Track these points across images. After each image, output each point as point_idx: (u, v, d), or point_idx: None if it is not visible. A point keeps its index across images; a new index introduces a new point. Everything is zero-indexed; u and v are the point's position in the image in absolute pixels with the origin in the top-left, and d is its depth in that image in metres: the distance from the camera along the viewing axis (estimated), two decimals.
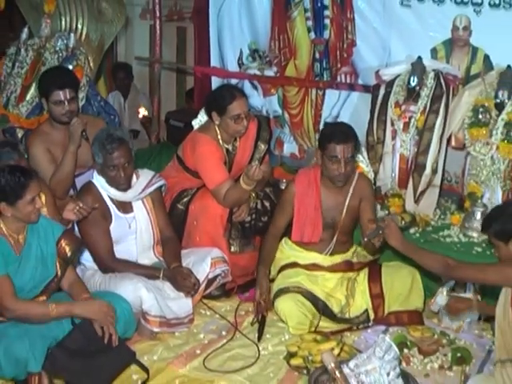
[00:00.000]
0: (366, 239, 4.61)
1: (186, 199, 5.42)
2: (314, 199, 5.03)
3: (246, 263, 5.48)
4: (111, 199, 4.86)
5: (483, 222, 4.27)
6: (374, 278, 5.03)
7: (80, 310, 4.09)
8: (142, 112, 8.70)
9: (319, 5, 6.68)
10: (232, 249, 5.43)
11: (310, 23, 6.80)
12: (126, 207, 4.91)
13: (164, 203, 5.20)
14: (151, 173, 5.07)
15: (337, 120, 6.91)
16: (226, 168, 5.43)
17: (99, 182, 4.82)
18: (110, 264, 4.78)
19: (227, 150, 5.48)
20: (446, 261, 4.19)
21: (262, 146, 5.63)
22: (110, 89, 8.79)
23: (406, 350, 4.58)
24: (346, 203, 5.07)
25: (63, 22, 6.99)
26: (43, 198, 4.38)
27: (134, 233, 4.92)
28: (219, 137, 5.41)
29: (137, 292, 4.58)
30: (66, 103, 5.26)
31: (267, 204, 5.54)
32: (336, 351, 4.34)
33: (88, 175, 5.34)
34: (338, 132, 4.85)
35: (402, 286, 4.96)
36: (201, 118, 5.79)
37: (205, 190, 5.40)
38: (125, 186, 4.81)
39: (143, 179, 4.94)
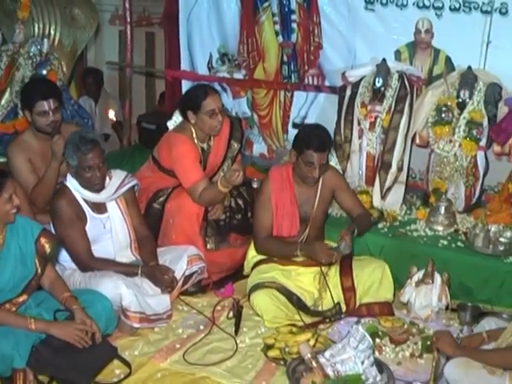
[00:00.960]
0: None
1: (161, 198, 5.47)
2: (288, 194, 5.15)
3: (222, 260, 5.56)
4: (85, 201, 4.85)
5: None
6: (346, 271, 5.10)
7: (56, 331, 4.09)
8: (111, 115, 8.77)
9: (286, 9, 6.78)
10: (208, 246, 5.48)
11: (277, 27, 6.90)
12: (100, 208, 4.92)
13: (137, 202, 5.23)
14: (123, 173, 5.08)
15: (305, 121, 7.05)
16: (201, 167, 5.51)
17: (72, 184, 4.81)
18: (88, 263, 4.80)
19: (202, 149, 5.55)
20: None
21: (235, 145, 5.73)
22: (80, 93, 8.77)
23: (377, 340, 4.65)
24: (317, 196, 5.20)
25: (36, 28, 7.02)
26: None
27: (110, 232, 4.94)
28: (194, 136, 5.47)
29: (117, 289, 4.62)
30: (51, 113, 5.24)
31: (240, 202, 5.63)
32: (312, 342, 4.42)
33: None
34: (317, 140, 4.94)
35: (372, 278, 5.05)
36: (175, 119, 5.81)
37: (180, 189, 5.46)
38: (100, 186, 4.81)
39: (116, 180, 4.97)
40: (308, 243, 5.16)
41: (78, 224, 4.79)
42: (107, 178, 4.92)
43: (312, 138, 4.96)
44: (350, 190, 5.47)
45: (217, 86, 7.22)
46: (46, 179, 5.19)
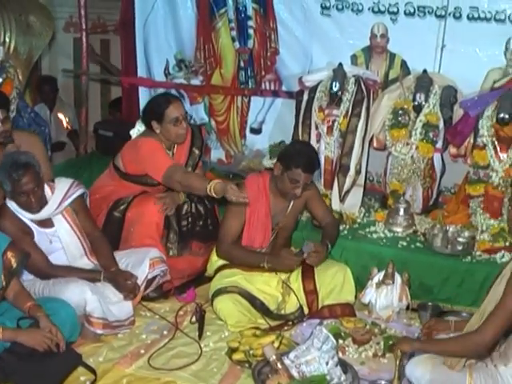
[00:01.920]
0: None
1: (122, 207, 5.44)
2: (264, 205, 5.16)
3: (184, 266, 5.55)
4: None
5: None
6: (308, 275, 5.14)
7: (24, 338, 4.07)
8: (64, 123, 8.71)
9: (243, 15, 6.81)
10: (170, 253, 5.47)
11: (234, 33, 6.92)
12: (46, 223, 4.84)
13: (87, 207, 5.12)
14: (68, 183, 4.96)
15: (262, 126, 7.12)
16: None
17: (12, 205, 4.72)
18: (49, 271, 4.75)
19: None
20: (471, 338, 3.80)
21: (197, 152, 5.70)
22: (34, 101, 8.72)
23: (340, 341, 4.68)
24: (289, 207, 5.24)
25: None
26: None
27: (59, 249, 4.88)
28: (163, 144, 5.42)
29: (82, 294, 4.59)
30: (0, 124, 5.18)
31: (201, 208, 5.62)
32: (276, 344, 4.46)
33: None
34: (307, 161, 4.96)
35: (334, 282, 5.09)
36: (139, 128, 5.79)
37: (141, 197, 5.46)
38: (36, 209, 4.71)
39: (58, 193, 4.88)
40: (275, 252, 5.20)
41: (26, 238, 4.71)
42: (49, 192, 4.83)
43: (302, 158, 4.98)
44: (322, 199, 5.52)
45: (174, 93, 7.20)
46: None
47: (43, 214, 4.79)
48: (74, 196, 4.94)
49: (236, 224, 5.15)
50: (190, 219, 5.57)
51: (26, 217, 4.75)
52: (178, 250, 5.54)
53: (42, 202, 4.75)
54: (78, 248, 4.98)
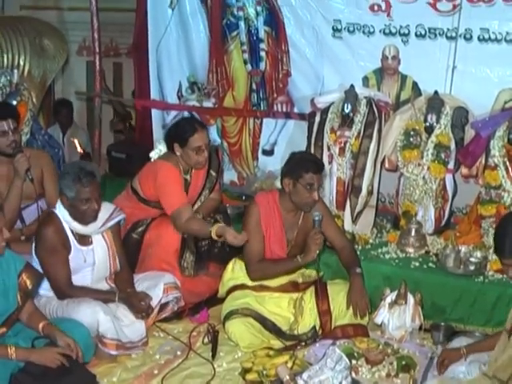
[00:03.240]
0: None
1: (140, 229, 5.49)
2: (277, 220, 5.19)
3: (199, 289, 5.57)
4: (72, 231, 4.83)
5: (500, 245, 4.02)
6: (321, 295, 5.14)
7: (36, 357, 4.08)
8: (78, 147, 8.75)
9: (255, 38, 6.88)
10: (186, 272, 5.49)
11: (246, 56, 6.99)
12: (85, 240, 4.90)
13: (120, 236, 5.21)
14: (112, 206, 5.06)
15: (275, 148, 7.15)
16: None
17: (62, 213, 4.79)
18: (66, 290, 4.77)
19: (185, 179, 5.55)
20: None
21: (213, 175, 5.74)
22: (48, 124, 8.81)
23: (354, 361, 4.68)
24: (299, 223, 5.27)
25: (5, 59, 6.99)
26: None
27: (90, 265, 4.92)
28: (181, 167, 5.48)
29: (95, 315, 4.61)
30: (10, 133, 5.26)
31: None
32: (289, 364, 4.44)
33: (35, 207, 5.42)
34: (313, 163, 5.06)
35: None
36: (159, 150, 5.78)
37: (160, 219, 5.49)
38: (93, 218, 4.81)
39: (104, 213, 4.92)
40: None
41: (61, 252, 4.77)
42: None
43: (308, 162, 5.06)
44: (333, 220, 5.52)
45: (186, 115, 7.31)
46: (11, 198, 5.23)
47: (89, 228, 4.87)
48: (117, 219, 5.05)
49: (257, 242, 5.16)
50: (208, 240, 5.54)
51: (72, 227, 4.82)
52: (194, 271, 5.55)
53: (97, 215, 4.84)
54: (106, 269, 5.03)
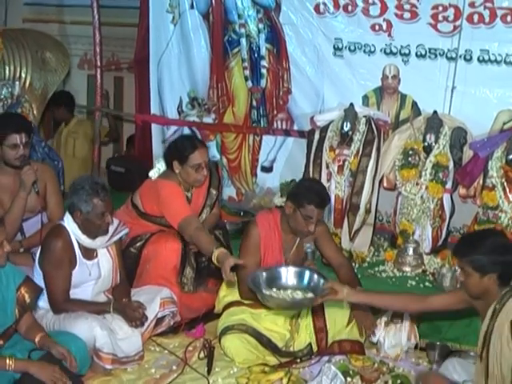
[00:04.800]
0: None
1: (139, 243, 5.49)
2: (277, 242, 5.21)
3: (196, 304, 5.56)
4: (78, 245, 4.86)
5: (459, 247, 4.13)
6: (318, 312, 5.15)
7: (35, 370, 4.08)
8: None
9: (256, 55, 6.90)
10: (186, 288, 5.49)
11: (247, 72, 7.00)
12: (90, 254, 4.93)
13: (121, 250, 5.24)
14: (116, 221, 5.07)
15: (273, 164, 7.17)
16: None
17: (71, 227, 4.82)
18: (61, 305, 4.78)
19: (186, 197, 5.56)
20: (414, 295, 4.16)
21: (214, 192, 5.75)
22: (47, 136, 8.83)
23: (349, 379, 4.68)
24: (296, 244, 5.29)
25: (7, 71, 6.99)
26: None
27: (93, 279, 4.95)
28: (182, 185, 5.50)
29: (91, 330, 4.63)
30: (21, 147, 5.28)
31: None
32: (285, 381, 4.48)
33: (36, 220, 5.44)
34: (319, 196, 5.05)
35: (344, 319, 5.12)
36: (158, 168, 5.73)
37: (158, 235, 5.50)
38: (106, 232, 4.88)
39: (110, 227, 4.97)
40: None
41: (65, 267, 4.80)
42: None
43: (314, 194, 5.06)
44: (331, 238, 5.55)
45: (186, 130, 7.37)
46: (13, 210, 5.23)
47: (97, 242, 4.93)
48: (122, 233, 5.13)
49: (252, 262, 5.13)
50: (207, 257, 5.46)
51: (81, 241, 4.85)
52: (193, 287, 5.56)
53: (108, 229, 4.91)
54: (109, 282, 5.07)
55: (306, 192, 5.06)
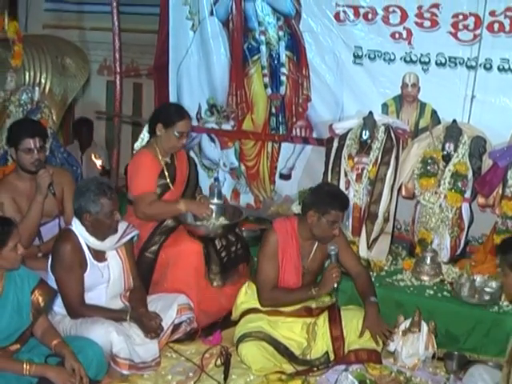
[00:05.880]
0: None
1: (154, 247, 5.49)
2: (295, 248, 5.18)
3: (214, 310, 5.56)
4: (88, 247, 4.87)
5: (499, 247, 4.25)
6: (335, 321, 5.13)
7: (52, 374, 4.11)
8: (98, 163, 8.79)
9: (276, 62, 6.91)
10: (214, 283, 5.51)
11: (266, 80, 7.01)
12: (100, 256, 4.93)
13: (134, 253, 5.24)
14: (125, 223, 5.09)
15: (292, 172, 7.16)
16: (169, 180, 5.63)
17: (79, 230, 4.83)
18: (78, 310, 4.79)
19: (166, 162, 5.64)
20: None
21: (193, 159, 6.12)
22: (67, 142, 8.88)
23: None
24: (313, 250, 5.26)
25: (27, 76, 7.05)
26: None
27: (105, 282, 4.94)
28: (158, 150, 5.58)
29: (108, 336, 4.63)
30: (36, 152, 5.33)
31: (230, 236, 5.70)
32: None
33: (53, 224, 5.50)
34: (341, 200, 5.08)
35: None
36: (141, 137, 5.93)
37: (174, 237, 5.51)
38: (115, 230, 4.90)
39: (119, 230, 4.99)
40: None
41: (77, 271, 4.80)
42: None
43: (336, 199, 5.08)
44: (349, 246, 5.52)
45: (205, 137, 7.43)
46: (30, 215, 5.27)
47: (107, 244, 4.94)
48: (131, 235, 5.11)
49: (272, 268, 5.14)
50: (226, 250, 5.61)
51: (89, 243, 4.86)
52: (222, 281, 5.57)
53: (117, 227, 4.94)
54: (121, 285, 5.05)
55: (328, 198, 5.05)
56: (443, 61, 6.15)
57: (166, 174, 5.64)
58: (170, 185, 5.65)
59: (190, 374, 4.99)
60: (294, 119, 7.02)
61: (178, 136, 5.53)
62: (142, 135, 5.86)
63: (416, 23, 6.19)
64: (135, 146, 5.90)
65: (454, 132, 5.90)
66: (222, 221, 5.74)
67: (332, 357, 5.11)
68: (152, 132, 5.62)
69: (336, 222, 5.03)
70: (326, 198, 5.06)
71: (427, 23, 6.15)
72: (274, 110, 7.10)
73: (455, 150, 5.88)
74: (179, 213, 5.45)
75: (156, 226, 5.57)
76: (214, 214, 5.73)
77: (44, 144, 5.52)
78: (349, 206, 5.30)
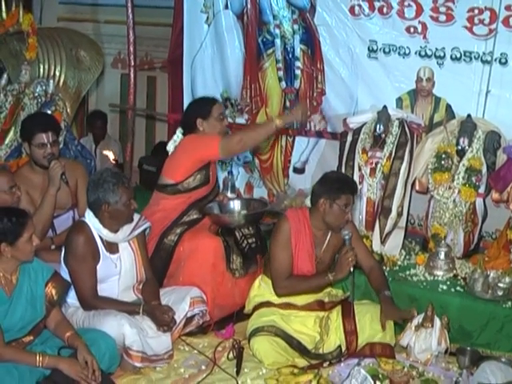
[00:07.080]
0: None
1: (172, 237, 5.51)
2: (308, 236, 5.18)
3: (228, 303, 5.58)
4: (101, 239, 4.89)
5: None
6: (348, 315, 5.13)
7: (65, 366, 4.13)
8: (111, 156, 8.82)
9: (291, 56, 6.92)
10: (237, 274, 5.56)
11: (281, 73, 7.02)
12: (112, 248, 4.95)
13: (146, 246, 5.24)
14: (137, 215, 5.09)
15: (305, 166, 7.17)
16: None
17: (92, 222, 4.86)
18: (91, 301, 4.81)
19: None
20: None
21: None
22: (80, 134, 8.88)
23: (378, 382, 4.62)
24: (326, 241, 5.27)
25: (42, 69, 7.08)
26: None
27: (118, 273, 4.96)
28: None
29: (120, 328, 4.65)
30: (49, 146, 5.36)
31: (250, 228, 5.77)
32: (314, 383, 4.47)
33: (67, 217, 5.54)
34: (350, 183, 5.20)
35: (374, 322, 5.06)
36: (175, 139, 5.86)
37: (193, 232, 5.55)
38: (132, 219, 4.96)
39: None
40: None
41: (89, 262, 4.82)
42: None
43: (346, 183, 5.15)
44: (362, 241, 5.52)
45: None
46: (44, 207, 5.30)
47: (119, 236, 4.96)
48: (143, 227, 5.14)
49: (286, 256, 5.15)
50: (246, 240, 5.69)
51: (102, 235, 4.89)
52: (244, 270, 5.62)
53: (133, 216, 4.99)
54: (133, 277, 5.07)
55: (336, 183, 5.10)
56: (458, 55, 6.12)
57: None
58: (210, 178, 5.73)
59: (203, 367, 5.00)
60: (308, 113, 6.90)
61: (220, 120, 5.65)
62: (175, 137, 5.84)
63: (431, 17, 6.16)
64: (168, 147, 5.88)
65: (468, 127, 5.88)
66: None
67: (345, 351, 5.09)
68: (192, 129, 5.65)
69: (348, 205, 5.06)
70: (334, 183, 5.10)
71: (442, 17, 6.12)
72: (288, 104, 7.10)
73: (469, 144, 5.86)
74: (273, 129, 5.54)
75: (179, 215, 5.60)
76: (238, 207, 6.03)
77: (57, 138, 5.55)
78: (357, 189, 5.36)
